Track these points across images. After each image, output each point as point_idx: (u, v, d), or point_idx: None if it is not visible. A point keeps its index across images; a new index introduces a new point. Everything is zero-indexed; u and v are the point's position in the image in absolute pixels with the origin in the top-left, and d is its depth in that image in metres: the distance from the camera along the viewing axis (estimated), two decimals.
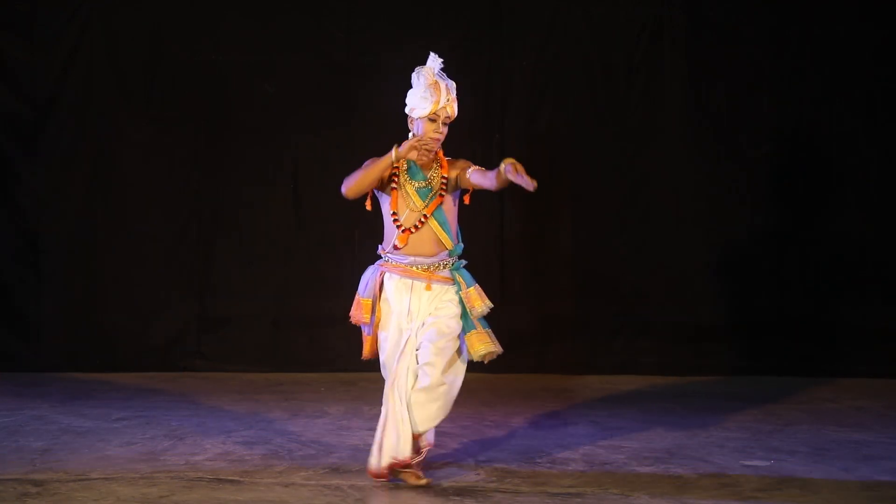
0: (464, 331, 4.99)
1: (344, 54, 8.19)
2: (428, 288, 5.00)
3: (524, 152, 8.32)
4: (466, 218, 8.15)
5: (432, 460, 5.39)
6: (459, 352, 5.01)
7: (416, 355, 4.95)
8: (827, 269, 8.14)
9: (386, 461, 4.88)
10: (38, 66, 8.07)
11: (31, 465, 5.23)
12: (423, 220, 5.01)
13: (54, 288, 8.09)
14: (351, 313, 5.11)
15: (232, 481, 4.98)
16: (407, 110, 5.08)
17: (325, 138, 8.21)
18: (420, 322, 4.98)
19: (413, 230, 5.01)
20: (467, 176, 5.02)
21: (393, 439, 4.88)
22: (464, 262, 5.13)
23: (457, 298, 5.00)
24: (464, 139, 8.23)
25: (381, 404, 6.87)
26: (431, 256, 5.03)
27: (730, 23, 8.18)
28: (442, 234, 5.04)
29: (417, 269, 5.01)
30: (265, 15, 8.18)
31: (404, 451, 4.87)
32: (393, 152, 4.98)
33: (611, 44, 8.24)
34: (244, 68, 8.15)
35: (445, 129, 5.04)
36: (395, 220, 5.04)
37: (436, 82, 5.00)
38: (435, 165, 5.09)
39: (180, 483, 4.93)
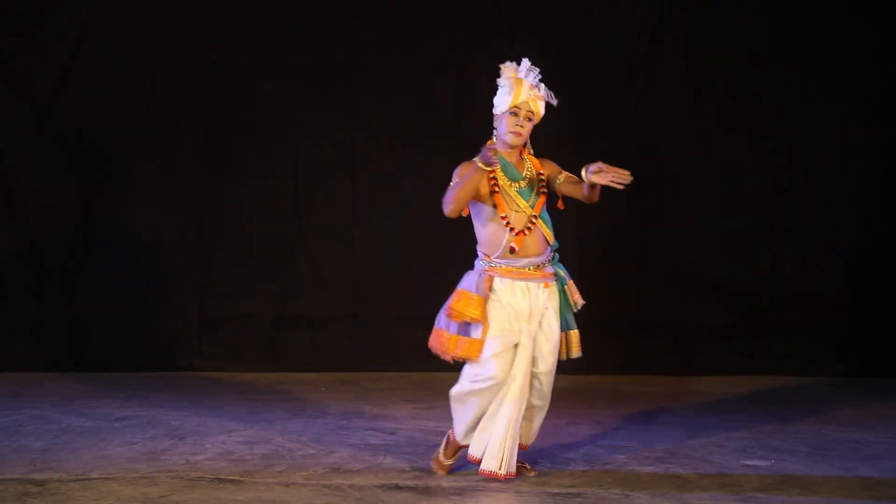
0: (567, 327, 5.08)
1: (344, 54, 8.19)
2: (546, 286, 4.99)
3: None
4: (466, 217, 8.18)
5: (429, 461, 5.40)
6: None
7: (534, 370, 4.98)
8: (827, 269, 8.14)
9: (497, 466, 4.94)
10: (39, 66, 8.07)
11: (32, 464, 5.23)
12: (532, 221, 4.98)
13: (54, 288, 8.09)
14: (455, 308, 4.94)
15: (232, 481, 4.98)
16: (494, 111, 5.06)
17: (326, 138, 8.21)
18: (537, 323, 4.96)
19: (526, 232, 4.96)
20: (558, 183, 5.07)
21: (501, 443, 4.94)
22: (557, 255, 5.15)
23: (558, 295, 5.02)
24: (465, 138, 8.24)
25: (381, 404, 6.92)
26: (541, 255, 5.02)
27: (730, 23, 8.18)
28: (548, 232, 5.06)
29: (531, 269, 5.00)
30: (265, 15, 8.18)
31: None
32: (478, 161, 4.88)
33: (611, 44, 8.24)
34: (244, 68, 8.16)
35: (528, 126, 5.00)
36: (507, 225, 4.94)
37: (517, 77, 4.99)
38: (526, 163, 5.08)
39: (181, 483, 4.93)
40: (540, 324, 4.97)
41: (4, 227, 8.07)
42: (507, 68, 5.03)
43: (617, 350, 8.17)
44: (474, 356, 4.94)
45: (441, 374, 7.99)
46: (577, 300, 5.08)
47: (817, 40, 8.12)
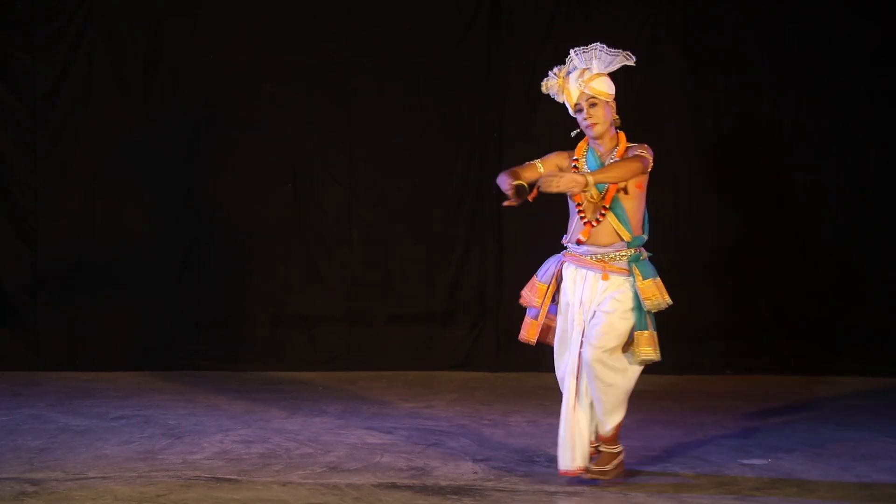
0: (635, 327, 4.86)
1: (344, 54, 8.19)
2: (605, 278, 4.89)
3: (524, 152, 8.33)
4: (469, 213, 8.17)
5: (430, 459, 5.40)
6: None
7: (580, 352, 4.89)
8: (826, 269, 8.13)
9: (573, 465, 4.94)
10: (38, 66, 8.08)
11: (29, 464, 5.23)
12: (602, 212, 4.91)
13: (53, 287, 8.09)
14: (522, 293, 5.11)
15: (229, 480, 4.99)
16: None
17: (324, 138, 8.21)
18: (591, 313, 4.89)
19: (595, 223, 4.91)
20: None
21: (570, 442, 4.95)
22: (647, 253, 5.02)
23: (631, 292, 4.87)
24: (464, 138, 8.25)
25: (378, 404, 6.92)
26: (606, 247, 4.92)
27: (729, 22, 8.17)
28: (618, 225, 4.94)
29: (592, 258, 4.92)
30: (264, 14, 8.17)
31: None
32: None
33: (611, 44, 8.18)
34: (244, 67, 8.15)
35: (596, 110, 4.94)
36: (580, 213, 4.95)
37: (560, 82, 5.03)
38: (614, 152, 4.99)
39: (178, 482, 4.93)
40: (595, 313, 4.89)
41: (4, 226, 8.08)
42: (550, 80, 5.07)
43: None
44: (531, 337, 5.08)
45: (438, 374, 8.06)
46: (650, 300, 4.84)
47: (817, 39, 8.11)
